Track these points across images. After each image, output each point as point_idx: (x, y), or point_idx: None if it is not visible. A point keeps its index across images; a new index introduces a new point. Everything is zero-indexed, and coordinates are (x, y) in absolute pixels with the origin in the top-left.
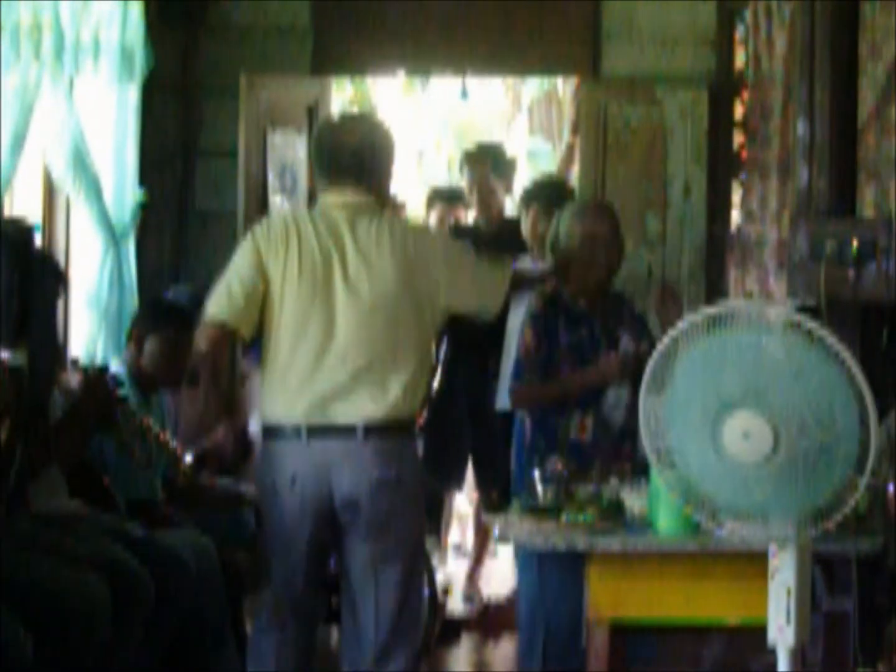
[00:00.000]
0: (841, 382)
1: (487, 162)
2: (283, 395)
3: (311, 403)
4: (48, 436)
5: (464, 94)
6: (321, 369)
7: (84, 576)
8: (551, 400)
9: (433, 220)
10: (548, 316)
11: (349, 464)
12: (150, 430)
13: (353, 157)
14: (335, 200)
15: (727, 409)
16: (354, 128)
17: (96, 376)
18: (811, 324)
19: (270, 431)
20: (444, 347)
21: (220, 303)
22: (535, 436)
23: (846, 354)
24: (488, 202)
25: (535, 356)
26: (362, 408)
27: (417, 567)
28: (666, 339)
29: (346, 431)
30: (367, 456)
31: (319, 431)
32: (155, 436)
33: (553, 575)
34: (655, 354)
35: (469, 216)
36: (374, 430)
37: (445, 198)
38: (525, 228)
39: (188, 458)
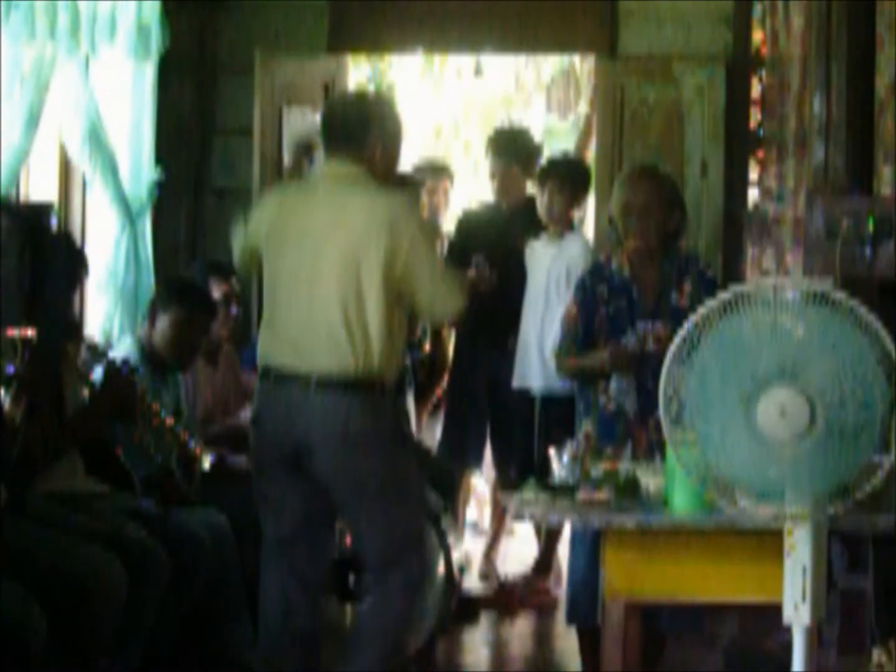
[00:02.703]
0: (871, 354)
1: (512, 152)
2: (262, 341)
3: (279, 352)
4: (64, 421)
5: (478, 71)
6: (290, 322)
7: (99, 553)
8: (582, 371)
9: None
10: (591, 285)
11: (302, 412)
12: (157, 416)
13: (345, 131)
14: (326, 170)
15: (762, 386)
16: (353, 104)
17: (118, 370)
18: (841, 295)
19: (259, 372)
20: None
21: (236, 256)
22: (577, 400)
23: (878, 325)
24: (509, 189)
25: (574, 326)
26: (317, 361)
27: (394, 501)
28: (690, 321)
29: (303, 381)
30: (317, 407)
31: (282, 378)
32: (162, 422)
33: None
34: (677, 337)
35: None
36: (326, 384)
37: (431, 171)
38: (541, 206)
39: (193, 445)
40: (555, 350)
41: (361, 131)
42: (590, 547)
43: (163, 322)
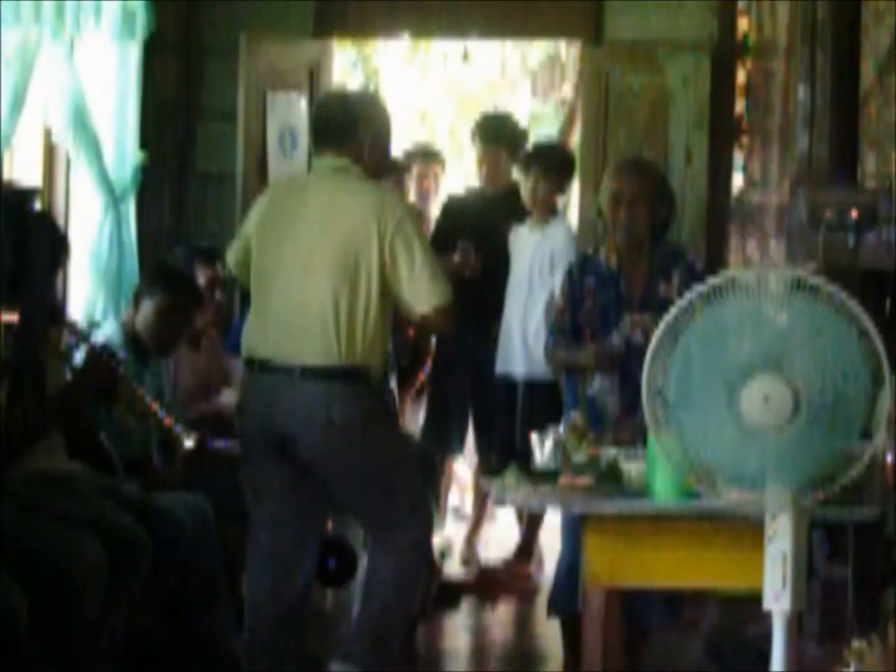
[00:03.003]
0: (854, 343)
1: (499, 138)
2: (248, 333)
3: (264, 343)
4: (45, 402)
5: (466, 57)
6: (273, 313)
7: (80, 536)
8: (568, 364)
9: (412, 178)
10: (578, 277)
11: (286, 401)
12: (141, 401)
13: (330, 125)
14: (316, 164)
15: (746, 374)
16: (342, 100)
17: (100, 352)
18: (825, 283)
19: (245, 363)
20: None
21: (230, 254)
22: (565, 390)
23: (862, 314)
24: (495, 175)
25: (563, 319)
26: (301, 351)
27: (391, 478)
28: (673, 310)
29: (287, 371)
30: (301, 396)
31: (267, 368)
32: (146, 407)
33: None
34: (662, 324)
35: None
36: (310, 373)
37: (422, 155)
38: (525, 192)
39: (179, 430)
40: (545, 346)
41: (350, 126)
42: (574, 537)
43: (145, 308)
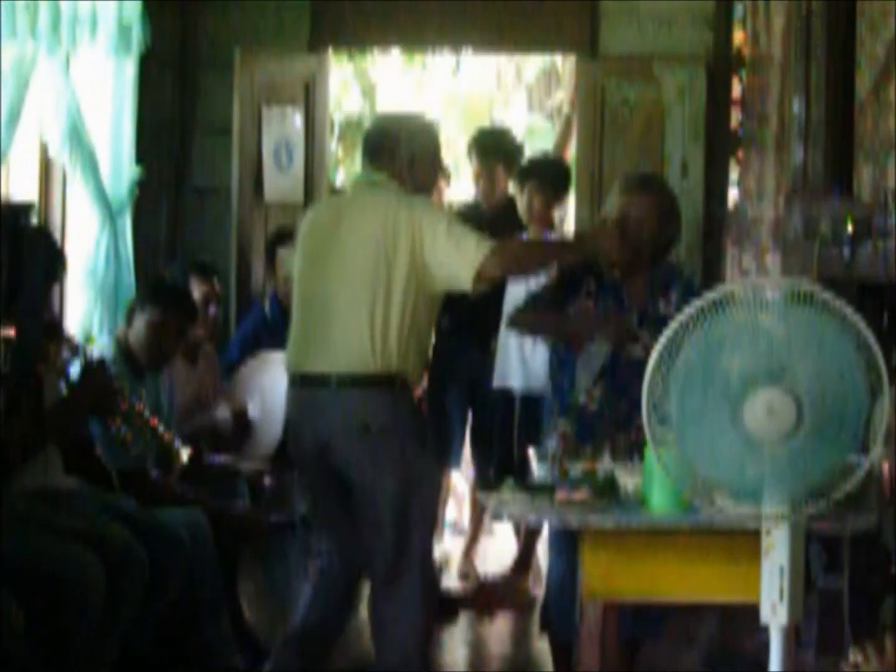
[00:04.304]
0: (854, 354)
1: (496, 153)
2: (290, 347)
3: (301, 355)
4: (42, 417)
5: (454, 71)
6: (310, 325)
7: (78, 551)
8: (541, 330)
9: None
10: (579, 272)
11: (323, 411)
12: (140, 416)
13: (372, 144)
14: (354, 180)
15: (748, 386)
16: (384, 121)
17: (95, 366)
18: (827, 295)
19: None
20: (442, 323)
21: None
22: (551, 399)
23: (862, 325)
24: (491, 189)
25: (549, 292)
26: (336, 361)
27: (407, 506)
28: (672, 324)
29: (324, 380)
30: (338, 404)
31: (305, 380)
32: (145, 421)
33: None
34: (661, 338)
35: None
36: (347, 381)
37: None
38: (521, 206)
39: (178, 445)
40: (518, 305)
41: (388, 145)
42: (565, 554)
43: (138, 322)
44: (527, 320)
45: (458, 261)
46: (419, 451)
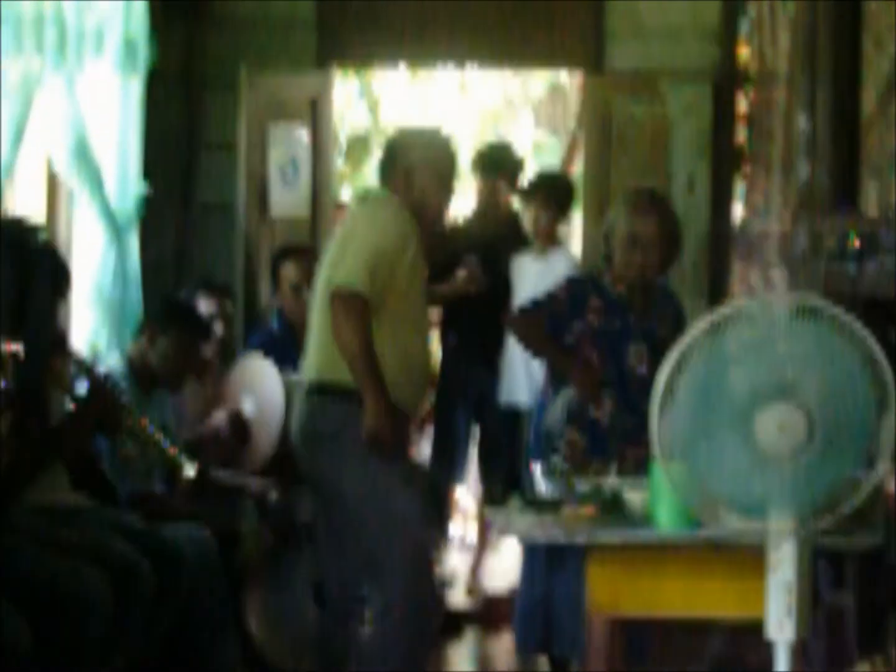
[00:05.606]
0: (862, 370)
1: (498, 168)
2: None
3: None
4: (48, 434)
5: (463, 85)
6: (307, 337)
7: (84, 568)
8: (528, 346)
9: None
10: (586, 290)
11: (295, 416)
12: (145, 433)
13: (382, 158)
14: (356, 191)
15: (758, 402)
16: (396, 134)
17: (103, 383)
18: (836, 310)
19: None
20: (448, 339)
21: None
22: (547, 408)
23: (871, 341)
24: (495, 205)
25: (554, 307)
26: (307, 368)
27: (366, 518)
28: (683, 339)
29: (304, 387)
30: (304, 411)
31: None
32: (151, 438)
33: (561, 568)
34: (671, 354)
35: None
36: (313, 388)
37: None
38: (526, 222)
39: (184, 462)
40: (517, 312)
41: (389, 157)
42: (539, 567)
43: (162, 345)
44: (521, 328)
45: (336, 268)
46: (380, 461)
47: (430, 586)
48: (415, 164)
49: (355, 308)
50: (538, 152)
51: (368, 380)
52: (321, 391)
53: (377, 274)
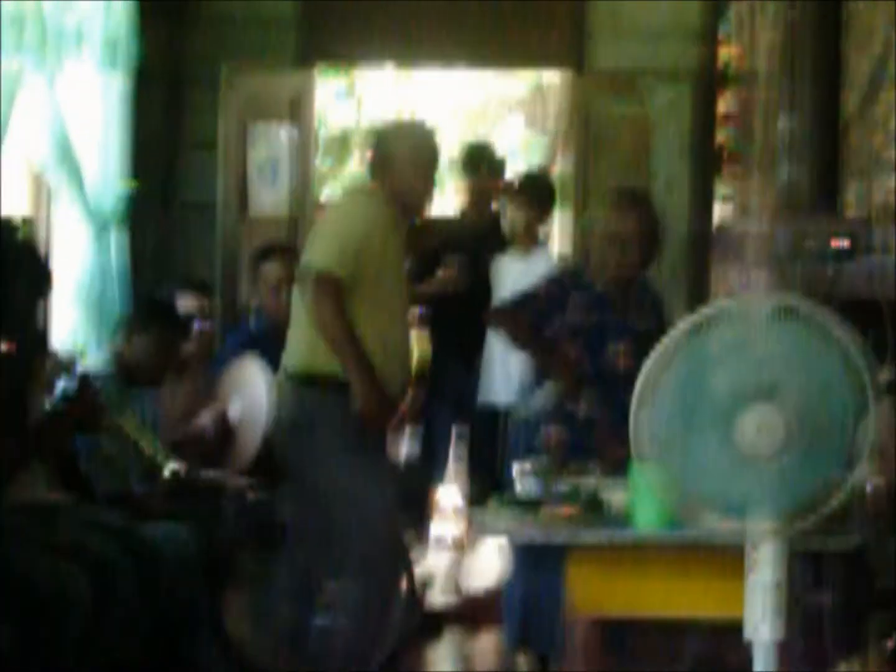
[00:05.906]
0: (841, 371)
1: (478, 168)
2: None
3: None
4: (27, 432)
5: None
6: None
7: (63, 567)
8: (514, 341)
9: None
10: (567, 286)
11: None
12: (122, 430)
13: (370, 152)
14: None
15: (739, 403)
16: (385, 128)
17: (82, 382)
18: (816, 311)
19: None
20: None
21: None
22: (527, 403)
23: (850, 341)
24: (475, 205)
25: (534, 303)
26: (284, 357)
27: (335, 504)
28: (664, 340)
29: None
30: (280, 398)
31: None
32: (130, 437)
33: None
34: (652, 353)
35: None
36: (289, 377)
37: None
38: (506, 223)
39: (170, 466)
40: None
41: (374, 152)
42: (541, 569)
43: (139, 343)
44: (506, 323)
45: (308, 254)
46: (345, 451)
47: (394, 577)
48: (396, 154)
49: (330, 289)
50: (522, 152)
51: (351, 358)
52: (297, 379)
53: (346, 254)
